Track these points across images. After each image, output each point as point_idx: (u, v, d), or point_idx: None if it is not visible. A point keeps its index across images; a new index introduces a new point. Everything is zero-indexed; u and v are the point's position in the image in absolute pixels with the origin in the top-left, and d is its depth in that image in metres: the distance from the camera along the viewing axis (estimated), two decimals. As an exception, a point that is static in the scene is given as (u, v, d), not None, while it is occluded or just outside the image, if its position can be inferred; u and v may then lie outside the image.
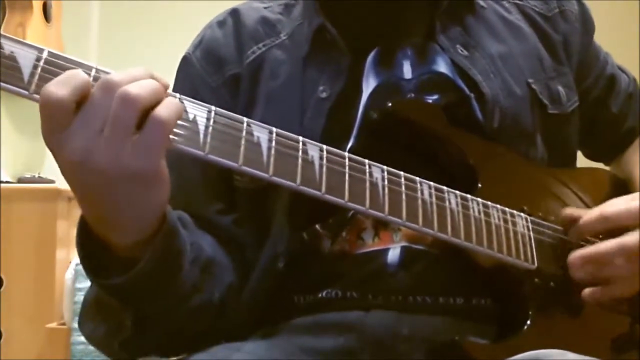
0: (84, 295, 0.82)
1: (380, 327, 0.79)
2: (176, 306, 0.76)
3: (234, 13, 0.96)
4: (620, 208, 0.82)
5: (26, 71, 0.61)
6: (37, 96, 0.61)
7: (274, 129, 0.69)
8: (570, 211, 0.86)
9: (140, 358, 0.78)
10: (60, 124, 0.61)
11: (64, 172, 0.63)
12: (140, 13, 3.28)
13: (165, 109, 0.62)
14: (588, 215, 0.84)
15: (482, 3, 0.96)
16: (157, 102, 0.62)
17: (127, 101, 0.61)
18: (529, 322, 0.79)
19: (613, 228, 0.81)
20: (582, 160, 1.04)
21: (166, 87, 0.65)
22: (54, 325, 2.16)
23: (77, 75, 0.61)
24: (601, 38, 1.06)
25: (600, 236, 0.83)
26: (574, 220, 0.85)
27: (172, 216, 0.71)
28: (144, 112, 0.62)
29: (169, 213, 0.70)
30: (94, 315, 0.78)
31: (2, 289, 2.27)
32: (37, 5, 2.78)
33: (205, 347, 0.80)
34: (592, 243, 0.83)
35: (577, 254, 0.81)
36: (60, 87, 0.60)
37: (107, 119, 0.61)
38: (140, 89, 0.61)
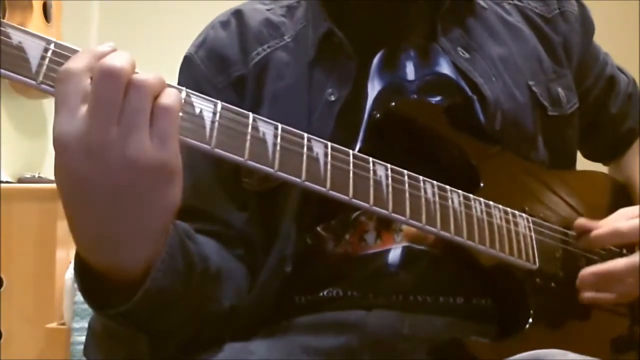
0: (88, 321, 0.79)
1: (381, 326, 0.80)
2: (190, 319, 0.76)
3: (238, 14, 0.96)
4: (635, 224, 0.82)
5: (34, 62, 0.61)
6: (44, 86, 0.61)
7: (279, 125, 0.69)
8: (583, 221, 0.86)
9: None
10: (75, 106, 0.58)
11: (73, 176, 0.59)
12: (141, 13, 3.28)
13: (169, 97, 0.61)
14: (601, 228, 0.84)
15: (482, 4, 0.96)
16: (161, 92, 0.61)
17: (142, 91, 0.59)
18: (530, 321, 0.79)
19: (626, 244, 0.81)
20: (580, 160, 1.04)
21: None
22: (54, 325, 2.15)
23: (88, 51, 0.60)
24: (601, 38, 1.06)
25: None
26: (585, 230, 0.85)
27: (179, 228, 0.72)
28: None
29: (177, 226, 0.70)
30: (104, 345, 0.75)
31: (2, 289, 2.26)
32: (37, 5, 2.78)
33: (211, 348, 0.80)
34: (597, 253, 0.84)
35: (590, 271, 0.81)
36: (74, 62, 0.59)
37: (118, 109, 0.58)
38: (148, 76, 0.60)
